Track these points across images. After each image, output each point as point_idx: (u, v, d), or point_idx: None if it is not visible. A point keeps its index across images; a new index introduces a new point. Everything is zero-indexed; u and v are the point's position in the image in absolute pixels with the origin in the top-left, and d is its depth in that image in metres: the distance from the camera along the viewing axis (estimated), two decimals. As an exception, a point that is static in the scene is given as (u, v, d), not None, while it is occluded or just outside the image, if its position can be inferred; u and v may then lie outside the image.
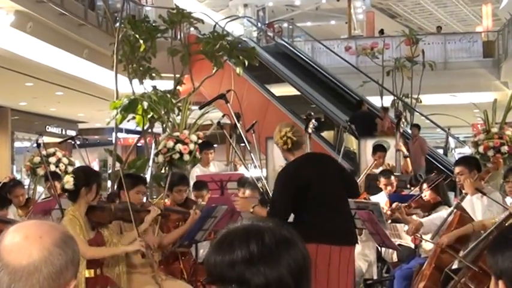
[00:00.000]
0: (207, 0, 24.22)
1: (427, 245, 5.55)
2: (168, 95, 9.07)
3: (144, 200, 5.17)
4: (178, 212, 5.23)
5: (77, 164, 9.65)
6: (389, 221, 5.85)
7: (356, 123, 11.56)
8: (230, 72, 10.99)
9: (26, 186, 8.51)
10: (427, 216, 5.60)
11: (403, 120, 10.17)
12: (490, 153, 8.42)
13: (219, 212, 4.95)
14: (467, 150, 13.04)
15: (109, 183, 9.68)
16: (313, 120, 6.88)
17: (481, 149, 8.52)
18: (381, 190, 6.87)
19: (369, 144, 10.14)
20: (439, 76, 16.84)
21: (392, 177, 6.92)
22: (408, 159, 8.83)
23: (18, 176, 15.52)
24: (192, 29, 12.79)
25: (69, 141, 8.68)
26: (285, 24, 23.21)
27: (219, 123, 6.24)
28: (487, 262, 1.71)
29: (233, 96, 7.54)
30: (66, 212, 4.33)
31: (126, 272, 4.49)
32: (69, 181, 4.22)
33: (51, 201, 5.78)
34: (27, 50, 11.86)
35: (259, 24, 21.70)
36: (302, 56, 18.05)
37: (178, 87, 9.63)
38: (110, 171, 10.94)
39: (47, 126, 20.36)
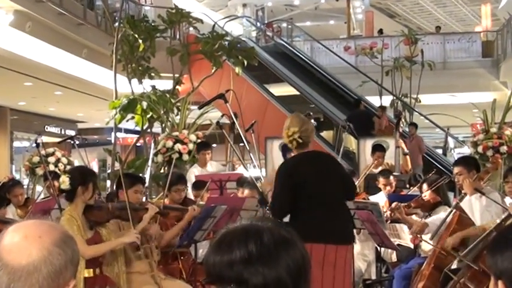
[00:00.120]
0: (206, 0, 24.21)
1: (427, 245, 5.54)
2: (167, 95, 9.08)
3: (144, 199, 5.17)
4: (177, 209, 5.23)
5: (76, 163, 9.66)
6: (389, 221, 5.86)
7: (353, 122, 11.57)
8: (229, 72, 10.99)
9: (25, 186, 8.53)
10: (427, 216, 5.60)
11: (403, 120, 10.19)
12: (489, 153, 8.43)
13: (218, 211, 4.94)
14: (467, 150, 13.02)
15: (108, 183, 9.68)
16: (312, 120, 6.88)
17: (480, 149, 8.53)
18: (380, 190, 6.85)
19: (368, 144, 10.14)
20: (438, 76, 16.83)
21: (391, 177, 6.90)
22: (408, 156, 8.85)
23: (17, 176, 15.57)
24: (191, 28, 12.83)
25: (68, 141, 8.68)
26: (284, 24, 23.18)
27: (218, 123, 6.23)
28: (486, 262, 1.70)
29: (232, 96, 7.55)
30: (64, 212, 4.34)
31: (125, 271, 4.49)
32: (64, 181, 4.22)
33: (50, 200, 5.78)
34: (26, 49, 11.84)
35: (258, 24, 21.67)
36: (301, 56, 18.05)
37: (177, 87, 9.63)
38: (109, 171, 10.94)
39: (46, 126, 20.33)
